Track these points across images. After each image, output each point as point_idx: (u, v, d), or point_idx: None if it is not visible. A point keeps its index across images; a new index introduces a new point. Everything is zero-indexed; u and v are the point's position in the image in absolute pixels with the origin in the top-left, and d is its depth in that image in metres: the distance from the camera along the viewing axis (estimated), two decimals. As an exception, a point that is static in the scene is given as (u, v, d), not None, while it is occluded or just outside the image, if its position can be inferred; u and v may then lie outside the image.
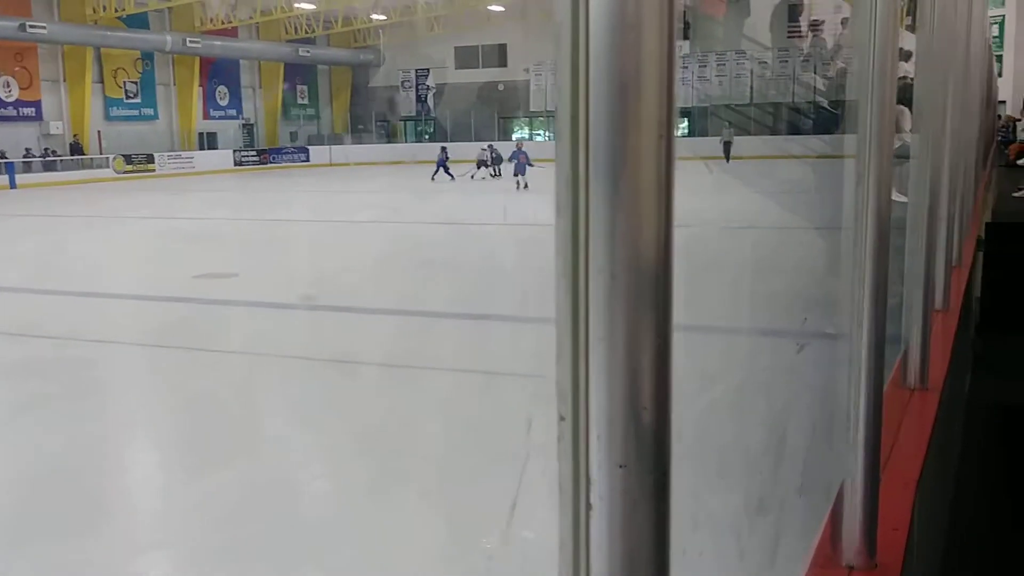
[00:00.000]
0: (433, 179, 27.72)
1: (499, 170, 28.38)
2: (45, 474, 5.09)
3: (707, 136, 37.94)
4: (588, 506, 0.52)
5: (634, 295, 0.52)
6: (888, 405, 2.87)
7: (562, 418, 0.53)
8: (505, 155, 27.27)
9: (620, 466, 0.52)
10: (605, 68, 0.52)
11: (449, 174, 27.89)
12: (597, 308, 0.53)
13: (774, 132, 38.45)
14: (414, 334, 8.33)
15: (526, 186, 23.48)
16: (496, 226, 16.27)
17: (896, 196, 4.52)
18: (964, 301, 4.55)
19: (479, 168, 28.84)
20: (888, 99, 1.76)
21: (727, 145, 33.95)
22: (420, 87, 46.74)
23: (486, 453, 4.98)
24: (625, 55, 0.52)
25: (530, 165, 23.91)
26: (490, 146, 30.37)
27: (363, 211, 21.39)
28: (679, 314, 0.52)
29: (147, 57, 38.56)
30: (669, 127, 0.53)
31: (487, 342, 7.53)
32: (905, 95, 4.81)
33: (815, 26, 35.99)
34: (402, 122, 47.25)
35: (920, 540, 2.16)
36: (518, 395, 5.25)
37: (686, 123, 41.36)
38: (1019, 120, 23.35)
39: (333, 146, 44.23)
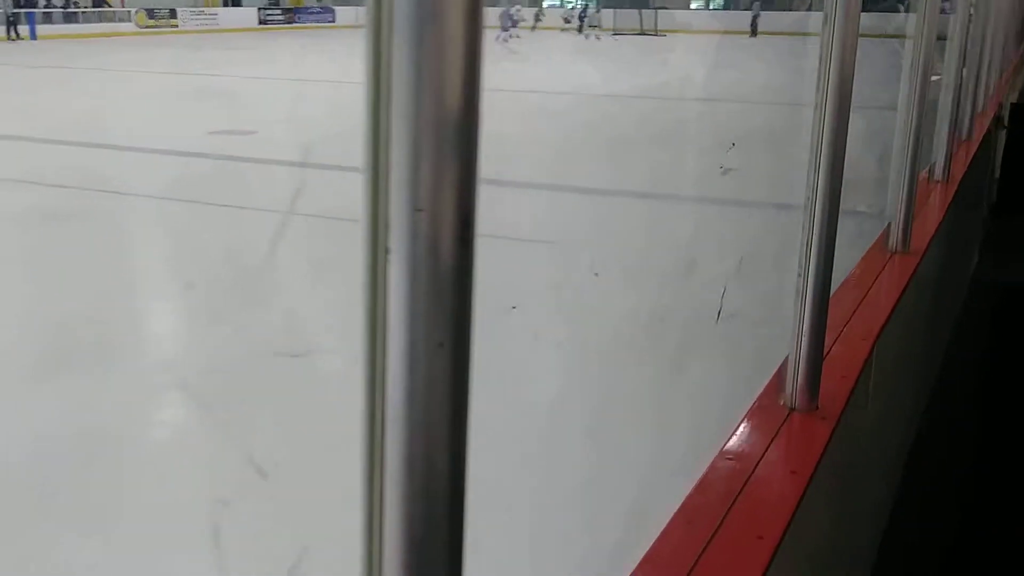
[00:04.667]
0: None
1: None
2: (59, 317, 5.22)
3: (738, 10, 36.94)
4: (387, 250, 0.55)
5: (438, 140, 0.54)
6: (868, 265, 2.90)
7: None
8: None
9: (417, 210, 0.54)
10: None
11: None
12: (400, 154, 0.54)
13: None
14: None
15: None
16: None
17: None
18: (967, 175, 4.51)
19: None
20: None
21: (754, 19, 33.20)
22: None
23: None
24: None
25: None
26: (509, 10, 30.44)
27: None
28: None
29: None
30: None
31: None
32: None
33: None
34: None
35: (868, 390, 2.21)
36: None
37: (722, -5, 40.26)
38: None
39: (360, 7, 43.20)
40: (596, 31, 32.60)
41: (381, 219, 0.56)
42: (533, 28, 33.79)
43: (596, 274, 5.67)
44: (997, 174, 8.76)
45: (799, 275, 1.81)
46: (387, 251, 0.56)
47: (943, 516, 3.27)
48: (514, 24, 29.93)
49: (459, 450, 0.62)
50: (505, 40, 27.64)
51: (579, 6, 38.53)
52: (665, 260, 6.14)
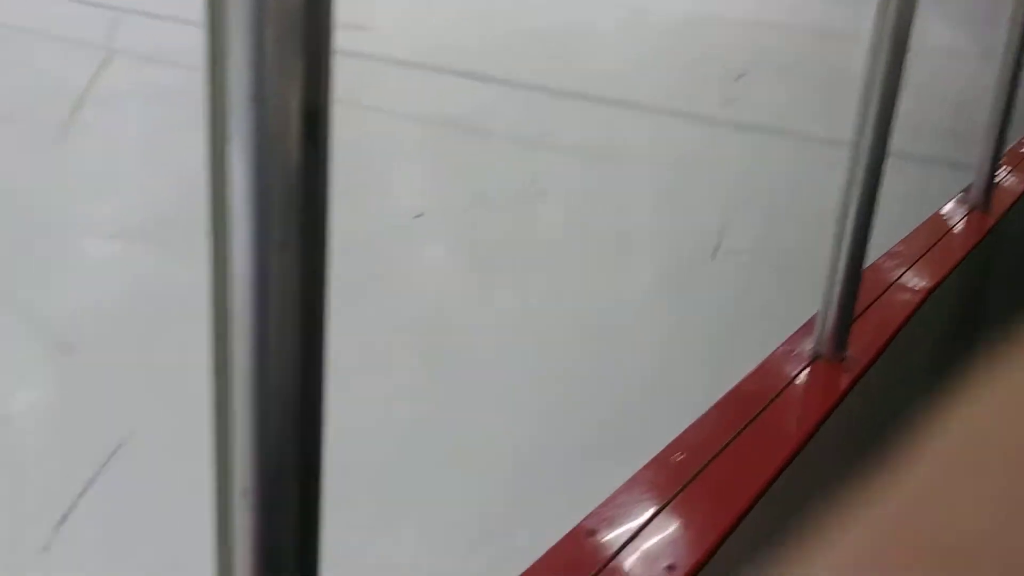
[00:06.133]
0: None
1: None
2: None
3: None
4: (226, 139, 0.53)
5: (282, 26, 0.52)
6: (939, 221, 2.77)
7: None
8: None
9: (253, 99, 0.52)
10: None
11: None
12: (238, 38, 0.52)
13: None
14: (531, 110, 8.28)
15: None
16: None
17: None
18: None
19: None
20: None
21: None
22: None
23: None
24: None
25: None
26: None
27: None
28: None
29: None
30: None
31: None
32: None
33: None
34: None
35: (909, 344, 2.12)
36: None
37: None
38: None
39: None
40: None
41: (221, 105, 0.53)
42: None
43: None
44: None
45: (839, 217, 1.73)
46: (227, 140, 0.54)
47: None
48: None
49: (313, 358, 0.60)
50: None
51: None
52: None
